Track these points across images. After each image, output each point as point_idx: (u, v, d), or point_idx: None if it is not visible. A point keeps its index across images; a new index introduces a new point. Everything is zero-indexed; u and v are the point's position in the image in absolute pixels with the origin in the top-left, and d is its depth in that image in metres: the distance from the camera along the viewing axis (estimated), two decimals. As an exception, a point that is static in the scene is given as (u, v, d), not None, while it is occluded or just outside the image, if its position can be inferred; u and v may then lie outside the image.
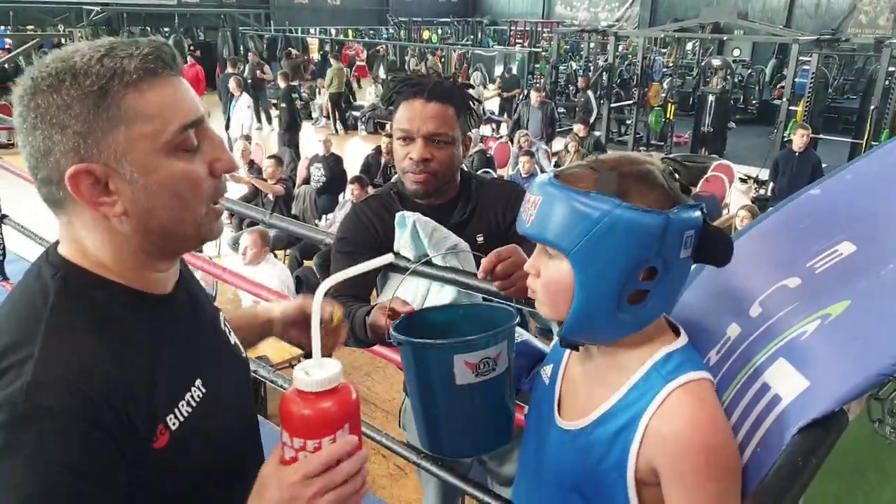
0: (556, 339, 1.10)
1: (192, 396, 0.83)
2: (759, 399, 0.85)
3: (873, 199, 0.94)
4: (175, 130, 0.77)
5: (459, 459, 1.73)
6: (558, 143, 9.77)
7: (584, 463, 0.94)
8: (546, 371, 1.10)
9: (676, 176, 0.94)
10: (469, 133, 1.69)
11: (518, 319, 1.11)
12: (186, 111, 0.78)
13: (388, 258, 0.97)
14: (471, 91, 1.71)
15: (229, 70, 11.50)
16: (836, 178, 1.01)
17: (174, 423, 0.79)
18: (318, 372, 0.76)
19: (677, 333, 0.96)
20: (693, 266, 0.93)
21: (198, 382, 0.84)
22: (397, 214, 1.58)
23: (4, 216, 3.70)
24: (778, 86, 14.21)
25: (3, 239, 3.70)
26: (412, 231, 1.54)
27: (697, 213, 0.89)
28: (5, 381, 0.70)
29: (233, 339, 1.00)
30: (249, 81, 12.07)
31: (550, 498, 1.02)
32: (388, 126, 1.68)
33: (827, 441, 0.75)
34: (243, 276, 2.77)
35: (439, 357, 1.06)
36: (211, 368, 0.89)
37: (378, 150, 8.03)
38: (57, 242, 0.83)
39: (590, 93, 11.21)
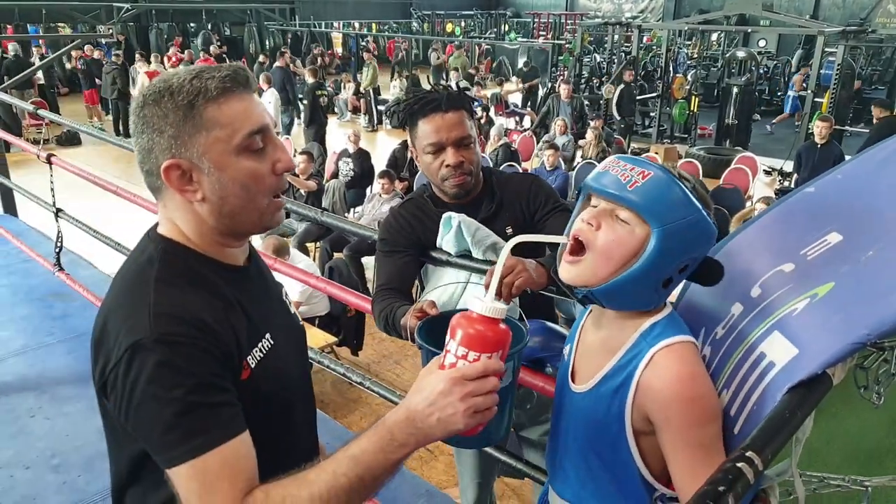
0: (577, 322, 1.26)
1: (262, 345, 1.03)
2: (756, 365, 1.00)
3: (859, 195, 1.07)
4: (243, 135, 0.96)
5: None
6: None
7: (592, 418, 1.13)
8: (565, 350, 1.28)
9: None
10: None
11: (528, 340, 1.21)
12: (254, 121, 0.98)
13: None
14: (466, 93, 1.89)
15: (255, 66, 11.62)
16: (829, 177, 1.15)
17: (253, 363, 0.99)
18: (493, 304, 0.90)
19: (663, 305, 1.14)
20: None
21: (267, 335, 1.05)
22: (444, 216, 1.75)
23: (60, 210, 3.92)
24: (795, 77, 13.57)
25: (60, 232, 3.90)
26: (457, 230, 1.72)
27: None
28: (134, 320, 0.91)
29: (292, 309, 1.22)
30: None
31: (573, 456, 1.20)
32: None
33: (810, 399, 0.89)
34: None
35: None
36: (277, 327, 1.09)
37: (404, 144, 8.15)
38: (156, 224, 1.05)
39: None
